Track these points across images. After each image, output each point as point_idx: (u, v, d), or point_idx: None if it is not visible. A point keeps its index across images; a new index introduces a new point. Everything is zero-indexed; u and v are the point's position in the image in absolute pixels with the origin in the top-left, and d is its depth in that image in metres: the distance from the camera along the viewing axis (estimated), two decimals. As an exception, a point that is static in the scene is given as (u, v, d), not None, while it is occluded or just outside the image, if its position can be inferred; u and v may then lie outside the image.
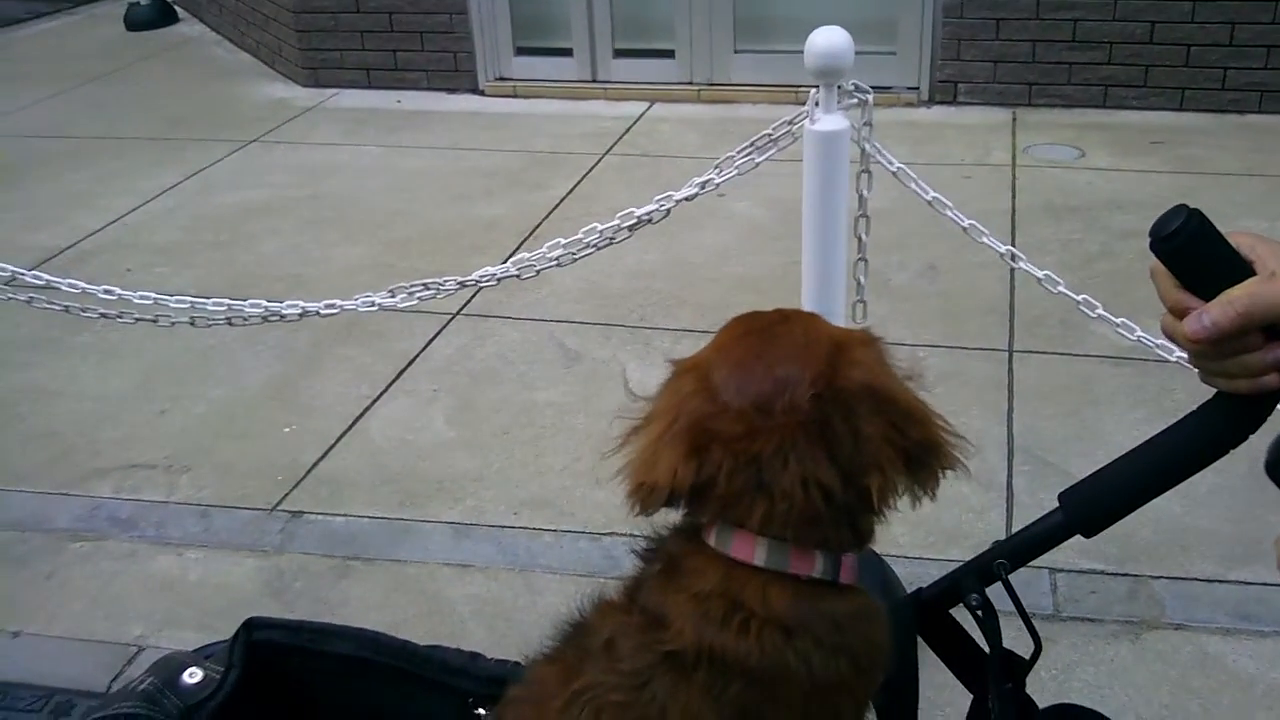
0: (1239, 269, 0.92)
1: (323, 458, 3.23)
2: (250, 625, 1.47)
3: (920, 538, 2.77)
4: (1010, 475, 2.99)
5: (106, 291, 2.71)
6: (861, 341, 1.22)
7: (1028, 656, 1.25)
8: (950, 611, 1.30)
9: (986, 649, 1.24)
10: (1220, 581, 2.62)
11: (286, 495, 3.07)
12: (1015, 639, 1.25)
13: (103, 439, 3.38)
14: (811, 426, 1.14)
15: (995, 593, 1.23)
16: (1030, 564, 1.23)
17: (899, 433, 1.16)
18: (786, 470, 1.14)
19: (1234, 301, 0.90)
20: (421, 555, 2.83)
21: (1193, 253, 0.93)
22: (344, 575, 2.78)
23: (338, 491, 3.09)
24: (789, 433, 1.14)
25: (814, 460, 1.14)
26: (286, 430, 3.38)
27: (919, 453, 1.17)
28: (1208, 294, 0.92)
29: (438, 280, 2.56)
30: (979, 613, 1.22)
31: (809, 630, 1.16)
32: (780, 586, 1.17)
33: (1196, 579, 2.64)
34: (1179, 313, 0.94)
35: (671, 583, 1.21)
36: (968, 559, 1.27)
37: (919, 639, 1.34)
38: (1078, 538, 1.16)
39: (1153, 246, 0.94)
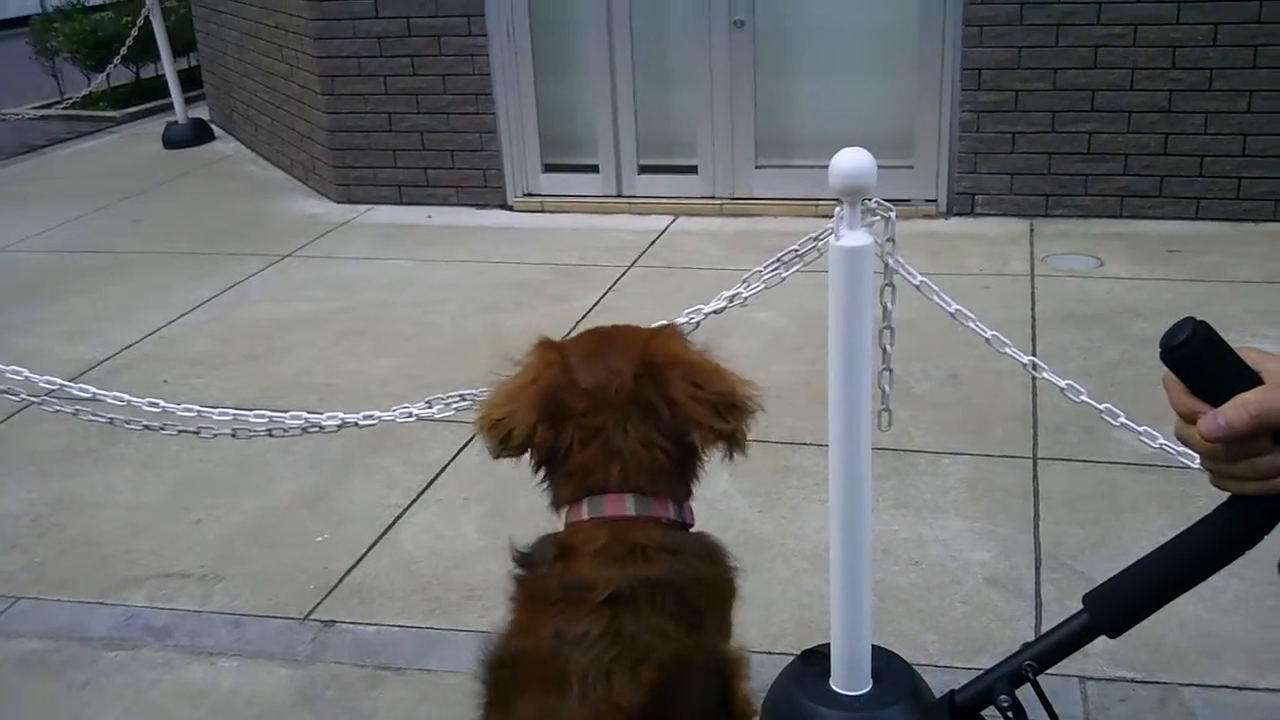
0: (1246, 376, 0.98)
1: (354, 566, 3.27)
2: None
3: (949, 646, 2.77)
4: (1038, 583, 3.00)
5: (151, 404, 2.79)
6: (663, 332, 1.73)
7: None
8: (982, 714, 1.32)
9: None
10: (1251, 689, 2.61)
11: (319, 604, 3.11)
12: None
13: (138, 548, 3.43)
14: (640, 401, 1.57)
15: (1026, 698, 1.25)
16: (1061, 672, 1.26)
17: (700, 389, 1.59)
18: (629, 437, 1.55)
19: (1248, 404, 0.95)
20: (453, 664, 2.84)
21: (1201, 360, 0.98)
22: (376, 685, 2.80)
23: (369, 600, 3.12)
24: (624, 408, 1.57)
25: (647, 427, 1.56)
26: (319, 539, 3.42)
27: (720, 401, 1.59)
28: (1217, 399, 0.97)
29: (474, 391, 2.62)
30: (1009, 714, 1.25)
31: (684, 550, 1.57)
32: (653, 525, 1.55)
33: (1227, 686, 2.62)
34: (1190, 418, 0.99)
35: (572, 559, 1.53)
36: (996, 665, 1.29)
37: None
38: (1107, 645, 1.18)
39: (1163, 356, 1.00)
